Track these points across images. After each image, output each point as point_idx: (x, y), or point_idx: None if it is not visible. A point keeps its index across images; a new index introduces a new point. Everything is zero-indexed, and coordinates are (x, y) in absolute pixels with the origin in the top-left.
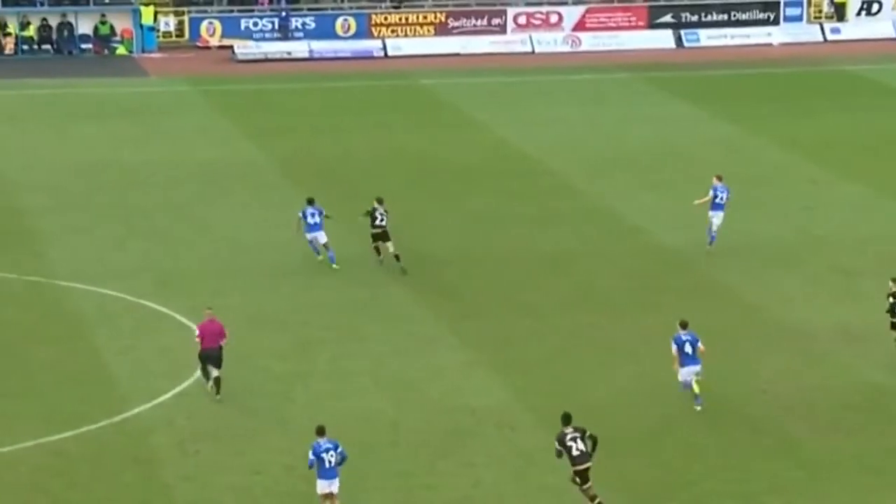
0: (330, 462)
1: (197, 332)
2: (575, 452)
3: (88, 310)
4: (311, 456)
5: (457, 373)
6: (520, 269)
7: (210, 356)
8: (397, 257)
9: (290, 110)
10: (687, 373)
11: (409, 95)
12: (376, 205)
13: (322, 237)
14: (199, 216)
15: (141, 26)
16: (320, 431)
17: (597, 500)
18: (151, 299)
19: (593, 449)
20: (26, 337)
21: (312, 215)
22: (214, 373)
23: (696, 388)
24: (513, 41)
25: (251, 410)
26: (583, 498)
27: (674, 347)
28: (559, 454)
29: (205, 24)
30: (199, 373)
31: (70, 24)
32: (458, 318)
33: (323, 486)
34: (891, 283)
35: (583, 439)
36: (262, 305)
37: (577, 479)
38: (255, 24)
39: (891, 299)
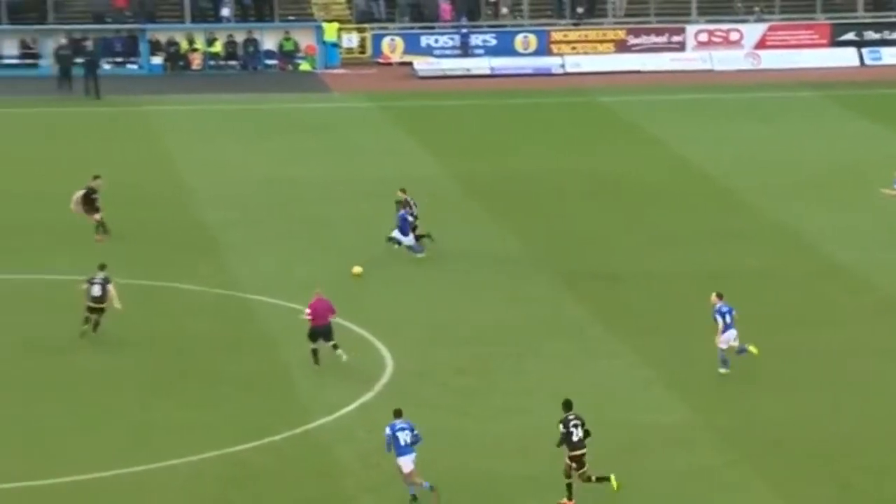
0: (405, 441)
1: (307, 311)
2: (575, 438)
3: (274, 322)
4: (387, 432)
5: (634, 389)
6: (698, 287)
7: (321, 332)
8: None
9: (469, 127)
10: (729, 337)
11: (588, 113)
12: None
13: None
14: (382, 231)
15: (324, 43)
16: (397, 414)
17: (593, 479)
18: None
19: (586, 436)
20: (214, 348)
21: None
22: (327, 344)
23: (736, 343)
24: (692, 59)
25: (430, 425)
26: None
27: (719, 319)
28: (563, 439)
29: (386, 40)
30: (342, 355)
31: (255, 40)
32: (635, 333)
33: (404, 464)
34: None
35: (582, 427)
36: (443, 320)
37: (574, 465)
38: (436, 41)
39: None
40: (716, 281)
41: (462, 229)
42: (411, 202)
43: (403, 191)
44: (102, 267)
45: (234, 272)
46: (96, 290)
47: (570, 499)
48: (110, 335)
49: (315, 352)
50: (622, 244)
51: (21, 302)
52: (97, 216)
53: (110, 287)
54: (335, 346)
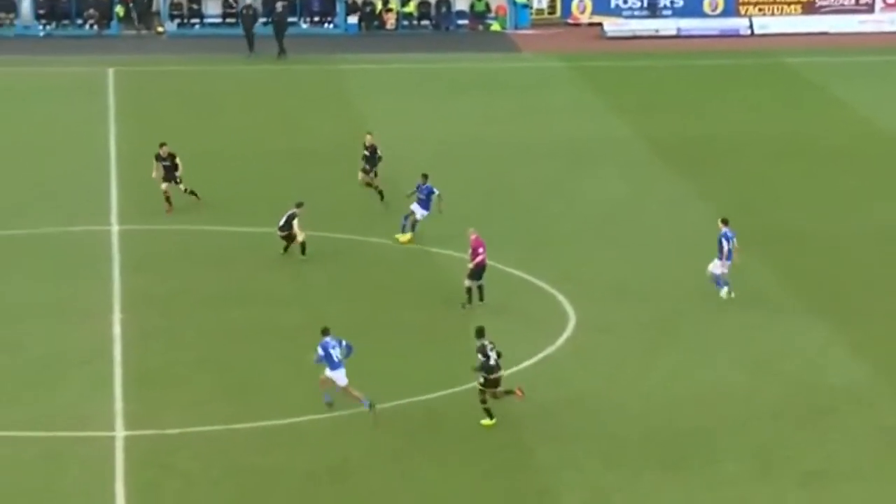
0: (338, 357)
1: (479, 251)
2: (492, 362)
3: (458, 276)
4: (319, 350)
5: (815, 349)
6: (884, 249)
7: (481, 271)
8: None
9: (657, 87)
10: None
11: (775, 74)
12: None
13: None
14: (568, 190)
15: (514, 3)
16: (325, 332)
17: (507, 393)
18: (519, 268)
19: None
20: (401, 300)
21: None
22: (478, 283)
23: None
24: (881, 20)
25: (610, 379)
26: None
27: (725, 245)
28: (481, 365)
29: (576, 1)
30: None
31: (448, 1)
32: (818, 294)
33: (330, 374)
34: None
35: (495, 351)
36: (627, 277)
37: (491, 388)
38: (625, 2)
39: None
40: None
41: (648, 189)
42: (377, 147)
43: (370, 134)
44: (299, 205)
45: (421, 226)
46: (281, 221)
47: (491, 418)
48: (312, 289)
49: (470, 293)
50: (806, 205)
51: (231, 254)
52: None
53: (295, 222)
54: (480, 288)
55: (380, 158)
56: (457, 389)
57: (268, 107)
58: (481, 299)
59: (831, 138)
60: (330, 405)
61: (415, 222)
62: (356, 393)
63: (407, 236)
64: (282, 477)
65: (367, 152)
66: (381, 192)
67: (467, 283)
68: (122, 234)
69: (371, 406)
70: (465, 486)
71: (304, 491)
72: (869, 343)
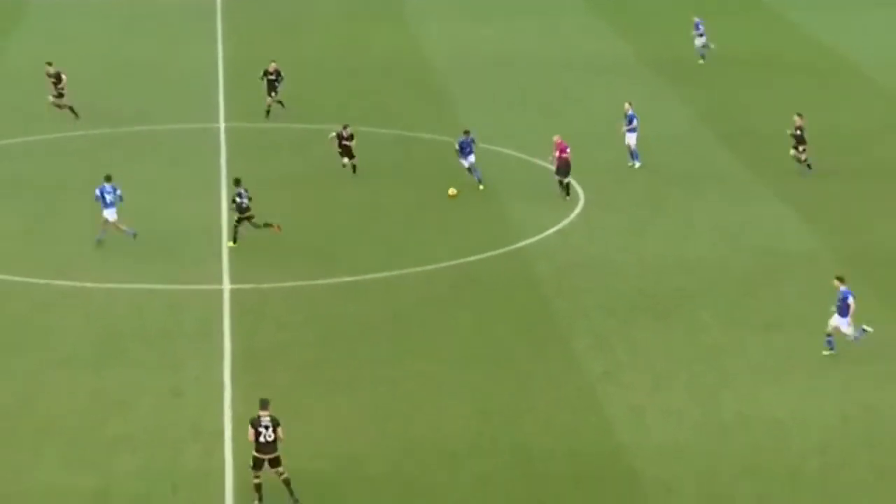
0: (110, 200)
1: (567, 151)
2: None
3: (492, 165)
4: (97, 192)
5: (775, 223)
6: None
7: (566, 169)
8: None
9: (652, 11)
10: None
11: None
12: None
13: None
14: (579, 98)
15: None
16: (108, 179)
17: (266, 225)
18: (540, 156)
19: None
20: (446, 181)
21: None
22: (566, 179)
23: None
24: None
25: (613, 247)
26: None
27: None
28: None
29: None
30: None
31: None
32: (780, 181)
33: (105, 213)
34: None
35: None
36: (625, 166)
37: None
38: None
39: None
40: None
41: (642, 95)
42: (280, 71)
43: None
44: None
45: (459, 124)
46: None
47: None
48: (376, 173)
49: (561, 183)
50: (766, 109)
51: (309, 148)
52: None
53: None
54: (567, 185)
55: (281, 79)
56: (491, 254)
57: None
58: (567, 194)
59: (786, 56)
60: (100, 242)
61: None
62: (123, 227)
63: (453, 191)
64: (352, 321)
65: (271, 76)
66: (269, 111)
67: (557, 177)
68: (228, 131)
69: (134, 235)
70: (497, 332)
71: (368, 332)
72: (819, 214)
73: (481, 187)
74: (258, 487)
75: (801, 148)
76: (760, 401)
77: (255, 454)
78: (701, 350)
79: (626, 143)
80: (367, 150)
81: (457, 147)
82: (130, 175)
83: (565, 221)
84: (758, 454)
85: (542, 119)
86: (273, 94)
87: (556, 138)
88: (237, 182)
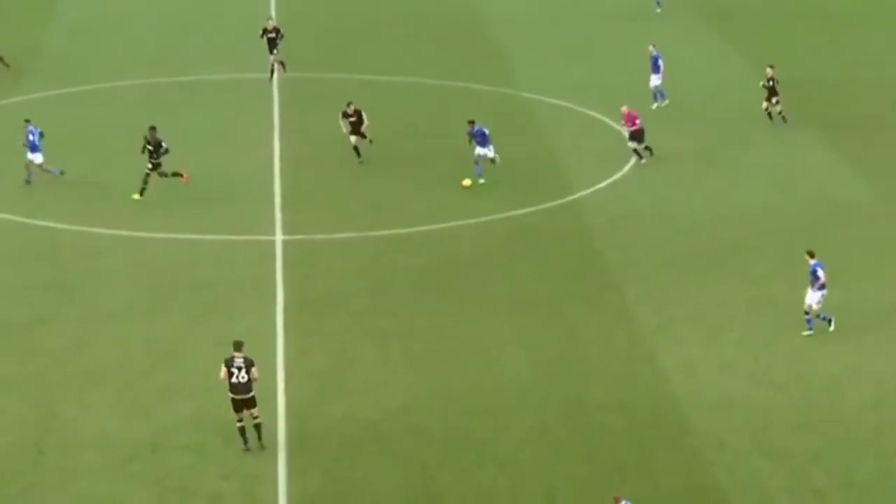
0: (36, 143)
1: (636, 121)
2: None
3: (545, 115)
4: (29, 136)
5: (827, 171)
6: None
7: (640, 135)
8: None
9: None
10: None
11: None
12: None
13: None
14: (633, 49)
15: None
16: (27, 121)
17: (174, 175)
18: (597, 111)
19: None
20: (501, 135)
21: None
22: (643, 144)
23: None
24: None
25: (666, 199)
26: None
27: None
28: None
29: None
30: (634, 159)
31: None
32: (833, 129)
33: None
34: None
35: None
36: (679, 117)
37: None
38: None
39: None
40: None
41: (694, 44)
42: (279, 29)
43: (271, 19)
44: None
45: (516, 76)
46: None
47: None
48: (430, 125)
49: (637, 151)
50: (819, 55)
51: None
52: None
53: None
54: (648, 149)
55: (281, 37)
56: (545, 206)
57: None
58: (651, 152)
59: (838, 4)
60: (28, 183)
61: (480, 160)
62: (49, 168)
63: (468, 182)
64: (404, 272)
65: (270, 34)
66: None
67: (631, 145)
68: (281, 80)
69: (62, 173)
70: (549, 283)
71: (420, 282)
72: (872, 164)
73: (482, 181)
74: (242, 431)
75: (773, 100)
76: (815, 355)
77: (231, 395)
78: (755, 302)
79: (651, 84)
80: (420, 102)
81: (468, 138)
82: (184, 124)
83: (618, 174)
84: (812, 410)
85: (596, 71)
86: (274, 52)
87: (624, 109)
88: (153, 129)
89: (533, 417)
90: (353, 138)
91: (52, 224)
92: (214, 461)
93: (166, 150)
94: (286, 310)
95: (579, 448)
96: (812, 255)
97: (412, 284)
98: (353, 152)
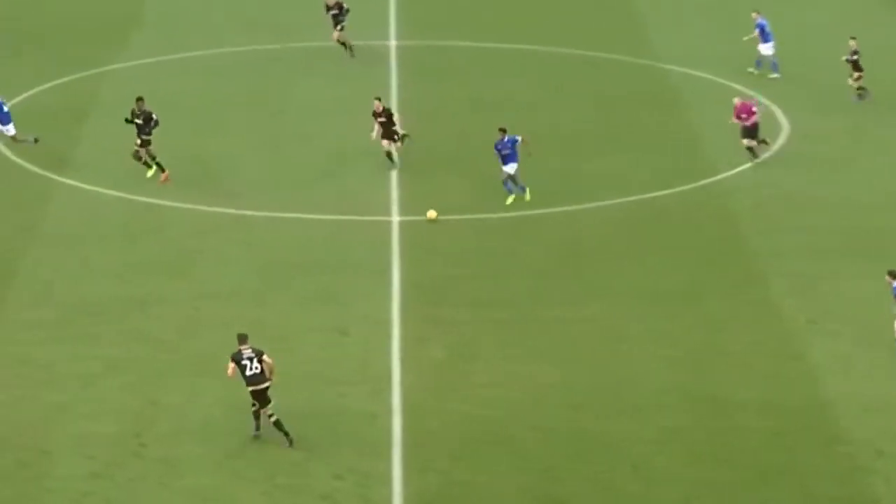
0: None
1: (752, 110)
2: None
3: (685, 88)
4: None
5: None
6: None
7: (754, 131)
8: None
9: None
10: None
11: None
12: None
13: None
14: (783, 19)
15: None
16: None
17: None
18: (741, 83)
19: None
20: (636, 110)
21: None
22: (752, 143)
23: None
24: None
25: (816, 181)
26: None
27: None
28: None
29: None
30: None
31: None
32: None
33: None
34: None
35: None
36: (828, 94)
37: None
38: None
39: None
40: None
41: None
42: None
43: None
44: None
45: (655, 46)
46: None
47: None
48: (560, 97)
49: (751, 149)
50: None
51: (469, 69)
52: None
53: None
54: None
55: (346, 11)
56: (683, 188)
57: None
58: (767, 144)
59: None
60: None
61: (508, 178)
62: (24, 137)
63: (511, 198)
64: (527, 257)
65: (333, 10)
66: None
67: (745, 142)
68: (399, 49)
69: (36, 140)
70: (687, 272)
71: (545, 269)
72: None
73: (527, 197)
74: (256, 416)
75: (856, 75)
76: None
77: (250, 388)
78: None
79: (759, 51)
80: (552, 72)
81: (497, 150)
82: (295, 95)
83: (765, 154)
84: None
85: (741, 41)
86: (339, 28)
87: (737, 100)
88: (140, 100)
89: (668, 418)
90: (384, 143)
91: (156, 201)
92: (325, 458)
93: (156, 123)
94: (403, 297)
95: (719, 451)
96: (894, 276)
97: (535, 272)
98: (387, 158)
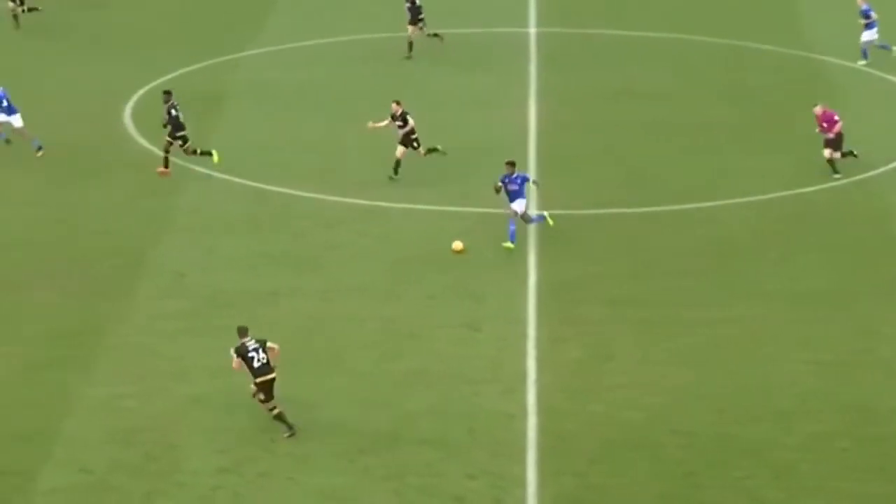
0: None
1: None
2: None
3: (839, 81)
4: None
5: None
6: None
7: (835, 143)
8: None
9: None
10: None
11: None
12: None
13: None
14: None
15: None
16: None
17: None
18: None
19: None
20: (784, 101)
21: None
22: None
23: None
24: None
25: None
26: None
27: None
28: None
29: None
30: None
31: None
32: None
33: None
34: None
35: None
36: None
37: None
38: None
39: None
40: None
41: None
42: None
43: None
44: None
45: (807, 35)
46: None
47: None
48: (705, 88)
49: (831, 162)
50: None
51: (612, 58)
52: None
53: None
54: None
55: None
56: (834, 184)
57: None
58: (855, 156)
59: None
60: (8, 142)
61: (514, 216)
62: (27, 133)
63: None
64: (670, 254)
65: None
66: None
67: (827, 154)
68: (539, 36)
69: (39, 148)
70: (837, 272)
71: (688, 267)
72: None
73: (551, 222)
74: (280, 417)
75: None
76: None
77: (257, 381)
78: None
79: (862, 39)
80: (694, 62)
81: (498, 183)
82: (430, 83)
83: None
84: None
85: None
86: (419, 24)
87: (818, 109)
88: (168, 94)
89: (814, 424)
90: (399, 149)
91: (287, 190)
92: (459, 458)
93: (177, 122)
94: (539, 293)
95: (869, 462)
96: None
97: (678, 270)
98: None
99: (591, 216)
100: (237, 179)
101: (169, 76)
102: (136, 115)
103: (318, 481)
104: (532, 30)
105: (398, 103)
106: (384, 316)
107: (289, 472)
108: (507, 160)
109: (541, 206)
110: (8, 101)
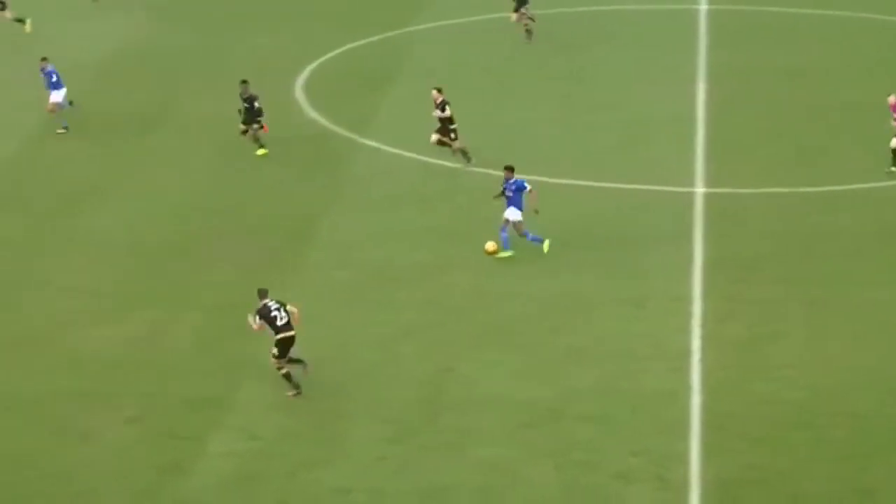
0: (58, 79)
1: None
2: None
3: None
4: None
5: None
6: None
7: None
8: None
9: None
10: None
11: None
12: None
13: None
14: None
15: None
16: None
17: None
18: None
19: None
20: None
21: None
22: None
23: None
24: None
25: None
26: None
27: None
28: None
29: None
30: None
31: None
32: None
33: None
34: None
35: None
36: None
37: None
38: None
39: None
40: None
41: None
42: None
43: None
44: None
45: None
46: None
47: None
48: (863, 63)
49: None
50: None
51: (786, 36)
52: None
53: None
54: None
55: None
56: None
57: None
58: None
59: None
60: (71, 103)
61: (506, 224)
62: (59, 112)
63: (496, 249)
64: (840, 235)
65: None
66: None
67: (894, 144)
68: (710, 13)
69: (65, 128)
70: None
71: (858, 247)
72: None
73: (546, 249)
74: (287, 377)
75: None
76: None
77: (280, 338)
78: None
79: None
80: (865, 41)
81: (501, 190)
82: (598, 60)
83: None
84: None
85: None
86: (522, 9)
87: (892, 98)
88: (245, 83)
89: None
90: (433, 137)
91: (453, 164)
92: (620, 435)
93: (259, 112)
94: (705, 272)
95: None
96: None
97: (849, 251)
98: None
99: (760, 195)
100: (405, 153)
101: (336, 51)
102: (308, 90)
103: (479, 453)
104: (703, 7)
105: (439, 91)
106: (549, 292)
107: (452, 444)
108: (505, 165)
109: (709, 184)
110: (57, 76)
